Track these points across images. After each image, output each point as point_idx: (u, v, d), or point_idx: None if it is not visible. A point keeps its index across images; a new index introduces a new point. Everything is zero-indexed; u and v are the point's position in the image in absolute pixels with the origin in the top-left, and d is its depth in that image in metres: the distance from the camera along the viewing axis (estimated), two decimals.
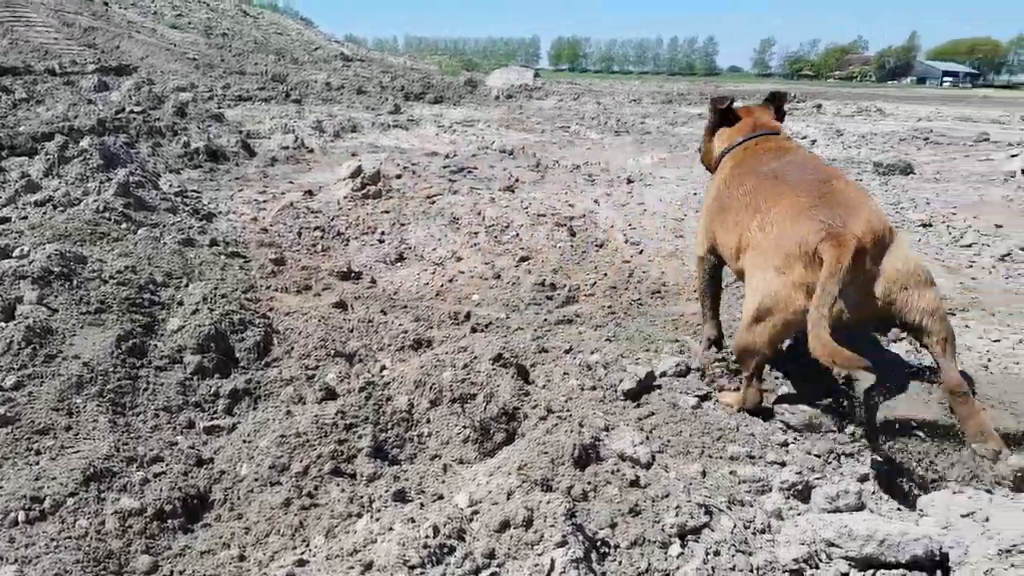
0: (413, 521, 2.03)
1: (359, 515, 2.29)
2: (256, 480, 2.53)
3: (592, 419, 3.04)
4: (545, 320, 4.51)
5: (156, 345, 3.36)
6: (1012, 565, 2.07)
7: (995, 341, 4.26)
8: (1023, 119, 21.82)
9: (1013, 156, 11.97)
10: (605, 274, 5.47)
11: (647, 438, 2.98)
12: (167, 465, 2.62)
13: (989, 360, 3.97)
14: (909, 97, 39.88)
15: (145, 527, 2.31)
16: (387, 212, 6.49)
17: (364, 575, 1.89)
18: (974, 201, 8.38)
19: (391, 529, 2.02)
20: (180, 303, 3.83)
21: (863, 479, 2.72)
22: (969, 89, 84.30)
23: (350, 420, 2.76)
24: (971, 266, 5.89)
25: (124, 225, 5.00)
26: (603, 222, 6.82)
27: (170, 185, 6.80)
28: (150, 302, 3.75)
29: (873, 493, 2.63)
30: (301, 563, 2.00)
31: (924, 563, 2.09)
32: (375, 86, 20.84)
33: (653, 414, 3.22)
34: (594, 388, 3.45)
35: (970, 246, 6.37)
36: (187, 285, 4.11)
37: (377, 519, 2.16)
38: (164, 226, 5.30)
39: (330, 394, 3.07)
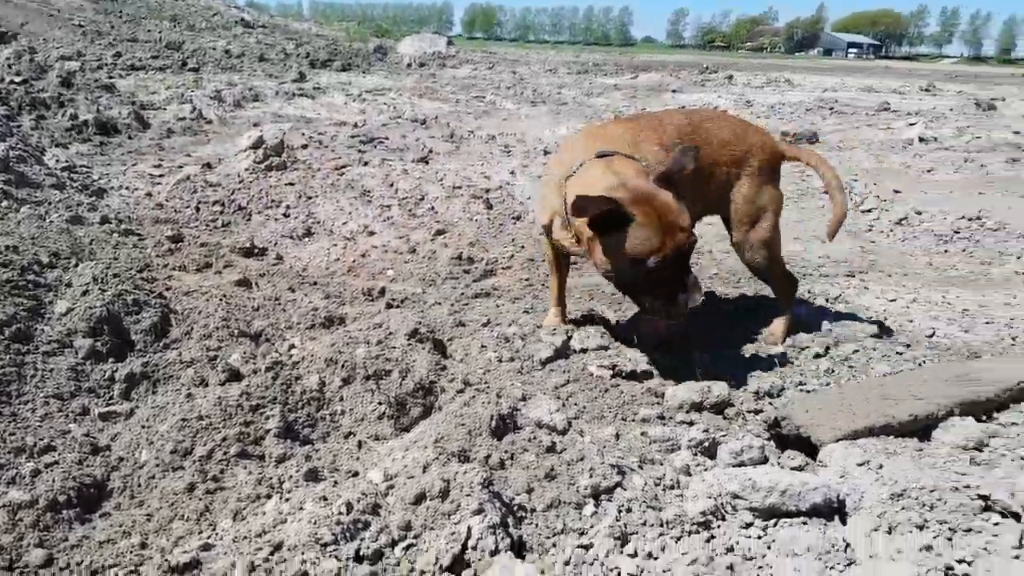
0: (325, 499, 1.98)
1: (268, 496, 2.21)
2: (157, 466, 2.41)
3: (510, 390, 3.04)
4: (462, 294, 4.48)
5: (43, 329, 3.15)
6: (903, 508, 2.18)
7: (891, 300, 4.47)
8: (922, 89, 22.88)
9: (911, 124, 12.57)
10: (523, 246, 5.47)
11: (563, 405, 3.00)
12: (60, 455, 2.47)
13: (885, 318, 4.17)
14: (816, 68, 41.21)
15: (37, 519, 2.17)
16: (292, 184, 6.26)
17: (274, 555, 1.83)
18: (874, 168, 8.77)
19: (302, 508, 1.96)
20: (68, 284, 3.61)
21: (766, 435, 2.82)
22: (872, 60, 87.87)
23: (256, 401, 2.66)
24: (870, 230, 6.16)
25: (4, 203, 4.67)
26: (520, 194, 6.80)
27: (56, 160, 6.38)
28: (35, 284, 3.51)
29: (776, 447, 2.73)
30: (207, 547, 1.93)
31: (823, 510, 2.17)
32: (278, 53, 20.08)
33: (569, 382, 3.25)
34: (512, 359, 3.45)
35: (870, 211, 6.66)
36: (76, 265, 3.87)
37: (287, 499, 2.10)
38: (50, 203, 4.97)
39: (234, 375, 2.94)
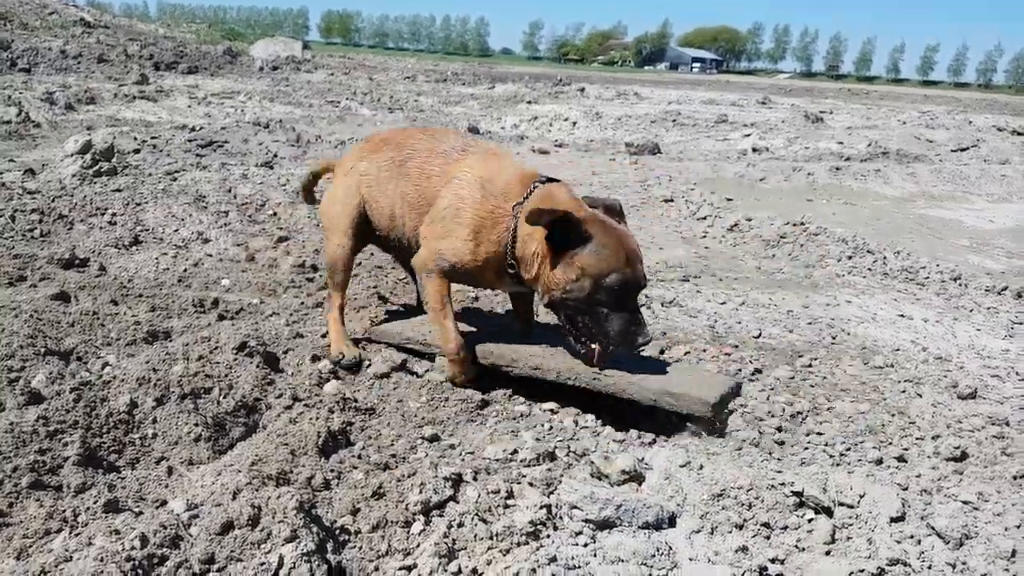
0: (118, 533, 1.81)
1: (59, 531, 2.00)
2: None
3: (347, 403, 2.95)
4: (303, 304, 4.30)
5: None
6: (723, 507, 2.27)
7: (722, 303, 4.69)
8: (759, 102, 24.48)
9: (746, 136, 13.40)
10: (371, 253, 5.33)
11: (403, 417, 2.93)
12: None
13: (716, 320, 4.37)
14: (663, 82, 43.38)
15: None
16: (120, 191, 5.83)
17: None
18: (711, 177, 9.24)
19: (91, 543, 1.78)
20: None
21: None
22: (715, 74, 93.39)
23: (55, 426, 2.42)
24: (704, 236, 6.47)
25: None
26: None
27: None
28: None
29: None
30: None
31: (653, 525, 2.22)
32: (119, 54, 18.84)
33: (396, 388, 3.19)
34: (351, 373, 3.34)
35: (705, 218, 7.00)
36: None
37: (77, 534, 1.91)
38: None
39: (35, 398, 2.67)
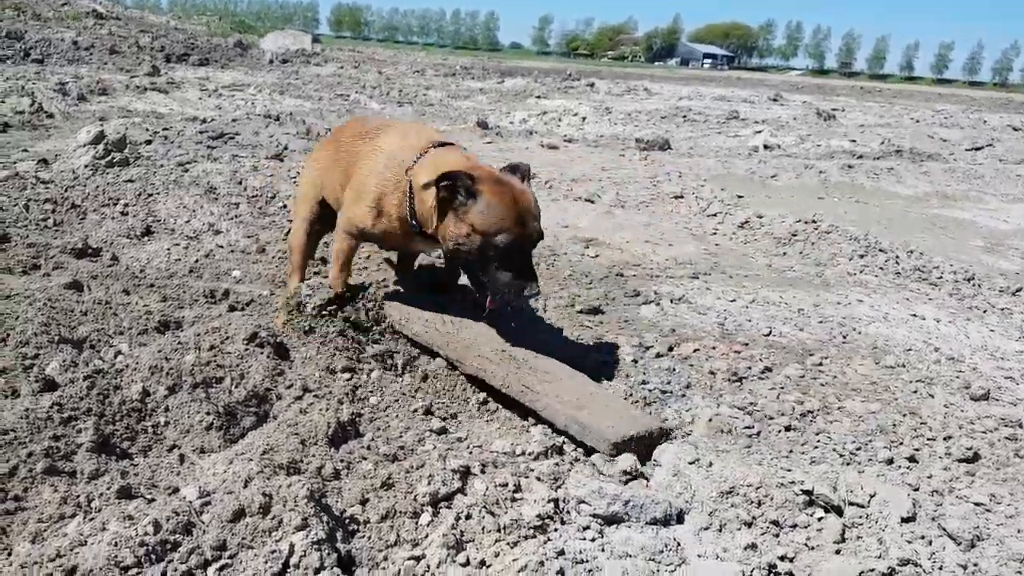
0: (131, 518, 1.83)
1: (73, 516, 2.03)
2: None
3: (356, 394, 2.97)
4: None
5: None
6: (732, 505, 2.27)
7: (732, 301, 4.68)
8: (770, 99, 24.35)
9: (757, 132, 13.33)
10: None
11: (413, 412, 2.95)
12: None
13: (725, 318, 4.36)
14: (673, 77, 43.21)
15: None
16: (132, 181, 5.86)
17: None
18: (721, 174, 9.21)
19: (105, 528, 1.81)
20: None
21: None
22: (726, 71, 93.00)
23: (69, 413, 2.44)
24: (715, 233, 6.45)
25: None
26: None
27: None
28: None
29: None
30: None
31: (661, 521, 2.22)
32: (131, 46, 18.89)
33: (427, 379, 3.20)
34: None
35: (715, 215, 6.97)
36: None
37: (91, 519, 1.93)
38: None
39: (50, 385, 2.70)
